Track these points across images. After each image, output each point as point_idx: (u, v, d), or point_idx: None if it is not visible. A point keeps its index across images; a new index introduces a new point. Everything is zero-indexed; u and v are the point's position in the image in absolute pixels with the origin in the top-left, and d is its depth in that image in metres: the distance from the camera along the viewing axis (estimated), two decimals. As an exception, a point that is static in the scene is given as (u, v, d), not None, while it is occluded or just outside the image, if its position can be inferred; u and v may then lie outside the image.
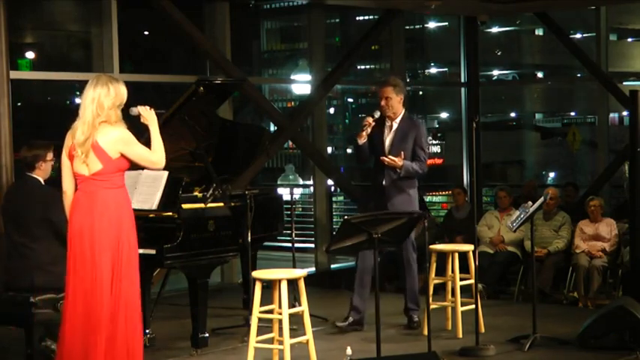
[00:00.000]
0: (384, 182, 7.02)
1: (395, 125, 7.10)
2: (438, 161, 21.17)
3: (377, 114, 7.03)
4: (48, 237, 5.95)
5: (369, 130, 6.98)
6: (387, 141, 7.09)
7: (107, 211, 4.94)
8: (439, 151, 22.00)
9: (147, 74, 10.27)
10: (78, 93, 16.80)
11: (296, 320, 6.09)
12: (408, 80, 14.30)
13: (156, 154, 5.11)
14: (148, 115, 5.20)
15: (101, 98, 4.94)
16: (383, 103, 7.06)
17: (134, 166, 5.22)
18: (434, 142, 22.32)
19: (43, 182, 6.14)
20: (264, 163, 10.52)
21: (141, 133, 5.23)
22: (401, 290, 9.19)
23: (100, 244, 4.90)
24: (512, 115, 25.16)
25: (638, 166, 7.26)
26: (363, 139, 7.02)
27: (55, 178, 6.10)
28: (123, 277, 4.95)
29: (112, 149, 4.94)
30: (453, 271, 7.00)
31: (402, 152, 6.94)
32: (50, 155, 6.16)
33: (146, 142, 5.16)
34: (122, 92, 5.02)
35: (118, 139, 4.95)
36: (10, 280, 5.99)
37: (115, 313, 4.92)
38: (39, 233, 5.95)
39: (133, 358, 4.98)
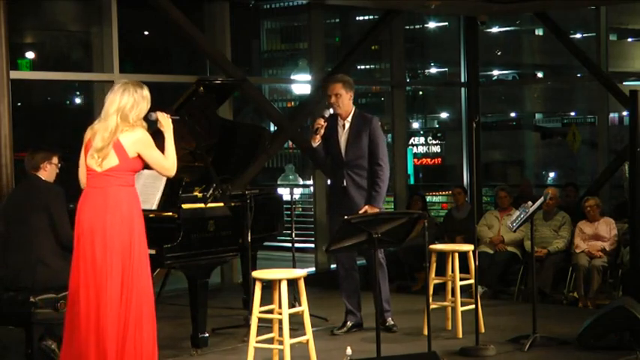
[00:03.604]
0: (344, 183, 6.94)
1: (347, 124, 6.97)
2: (438, 161, 21.20)
3: (327, 113, 6.91)
4: (46, 230, 5.94)
5: (322, 131, 6.84)
6: (342, 141, 6.98)
7: (120, 210, 4.89)
8: (439, 151, 21.99)
9: (147, 74, 10.24)
10: (78, 93, 16.83)
11: (296, 320, 6.08)
12: (408, 80, 14.28)
13: (168, 160, 5.12)
14: (166, 122, 5.25)
15: (126, 110, 4.95)
16: (332, 100, 6.92)
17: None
18: (434, 142, 22.31)
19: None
20: (264, 163, 10.52)
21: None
22: (400, 290, 9.25)
23: (112, 245, 4.84)
24: (512, 115, 25.15)
25: (638, 166, 7.25)
26: (317, 142, 6.89)
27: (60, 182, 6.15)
28: (135, 280, 4.88)
29: (132, 149, 4.95)
30: (453, 271, 7.00)
31: (365, 208, 6.78)
32: (56, 159, 6.20)
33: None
34: (146, 104, 5.05)
35: (138, 140, 4.96)
36: (11, 276, 5.97)
37: (125, 317, 4.85)
38: (38, 225, 5.94)
39: None
